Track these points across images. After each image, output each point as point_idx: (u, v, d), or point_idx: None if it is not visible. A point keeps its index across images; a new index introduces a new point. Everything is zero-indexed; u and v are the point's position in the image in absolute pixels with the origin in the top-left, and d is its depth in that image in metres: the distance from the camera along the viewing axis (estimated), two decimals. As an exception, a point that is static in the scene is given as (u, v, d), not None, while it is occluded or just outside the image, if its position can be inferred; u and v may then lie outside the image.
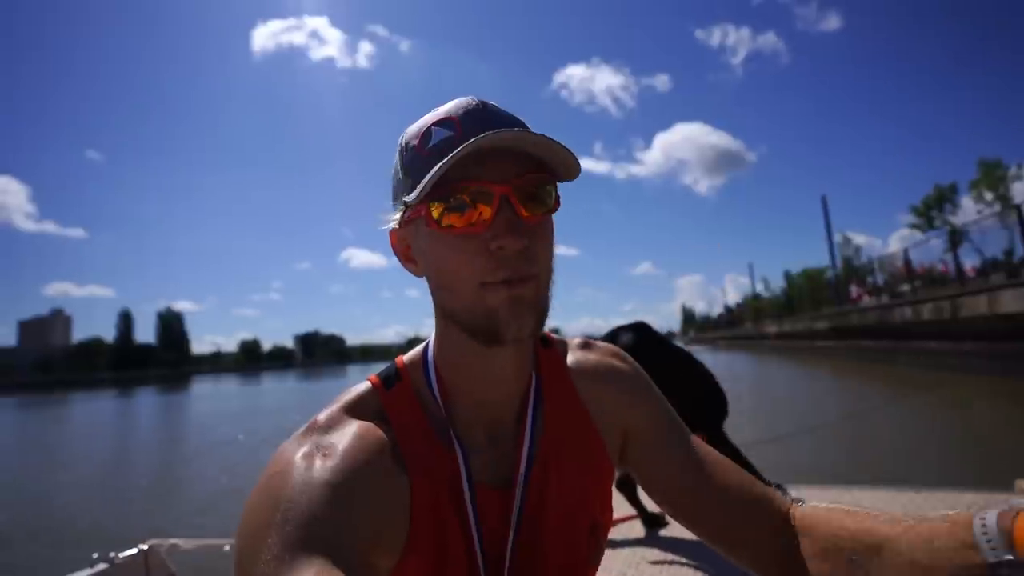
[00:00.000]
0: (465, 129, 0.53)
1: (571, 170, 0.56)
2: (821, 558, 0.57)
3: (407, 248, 0.60)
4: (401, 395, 0.62)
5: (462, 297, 0.55)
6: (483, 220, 0.52)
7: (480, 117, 0.55)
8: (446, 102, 0.59)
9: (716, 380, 3.88)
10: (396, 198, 0.59)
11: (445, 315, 0.59)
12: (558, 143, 0.52)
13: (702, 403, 3.70)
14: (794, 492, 3.98)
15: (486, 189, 0.52)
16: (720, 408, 3.80)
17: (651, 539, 3.28)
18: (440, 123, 0.55)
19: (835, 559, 0.56)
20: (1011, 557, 0.40)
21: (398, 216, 0.59)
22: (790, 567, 0.60)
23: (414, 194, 0.53)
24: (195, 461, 10.83)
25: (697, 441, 0.71)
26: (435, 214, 0.53)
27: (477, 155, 0.51)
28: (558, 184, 0.58)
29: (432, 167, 0.52)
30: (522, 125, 0.57)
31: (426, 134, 0.55)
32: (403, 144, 0.58)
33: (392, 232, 0.61)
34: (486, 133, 0.50)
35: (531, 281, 0.54)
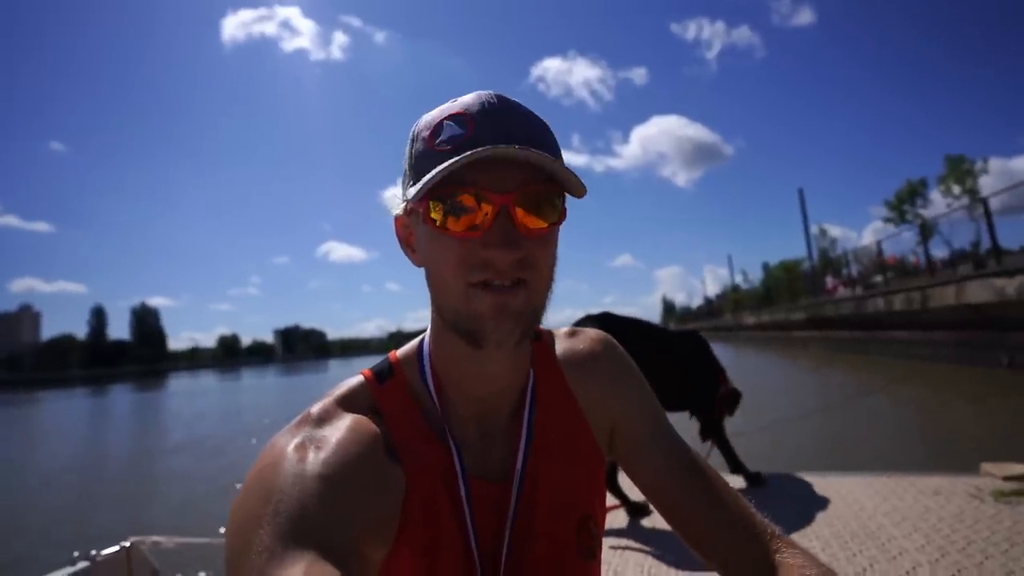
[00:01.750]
0: (478, 129, 0.52)
1: (579, 188, 0.55)
2: None
3: (409, 235, 0.60)
4: (394, 389, 0.62)
5: (450, 297, 0.55)
6: (480, 227, 0.52)
7: (495, 118, 0.53)
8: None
9: (700, 339, 3.91)
10: (404, 185, 0.59)
11: (437, 311, 0.59)
12: (560, 165, 0.52)
13: (683, 383, 3.74)
14: (772, 480, 4.08)
15: (486, 197, 0.51)
16: (708, 384, 3.83)
17: (634, 528, 3.34)
18: (453, 118, 0.54)
19: None
20: None
21: (402, 205, 0.59)
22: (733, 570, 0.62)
23: (414, 190, 0.53)
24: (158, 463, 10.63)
25: (682, 441, 0.71)
26: (433, 214, 0.53)
27: (483, 160, 0.50)
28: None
29: (437, 164, 0.51)
30: (540, 126, 0.56)
31: (437, 128, 0.54)
32: (414, 134, 0.57)
33: (397, 217, 0.61)
34: (486, 148, 0.49)
35: (520, 291, 0.53)
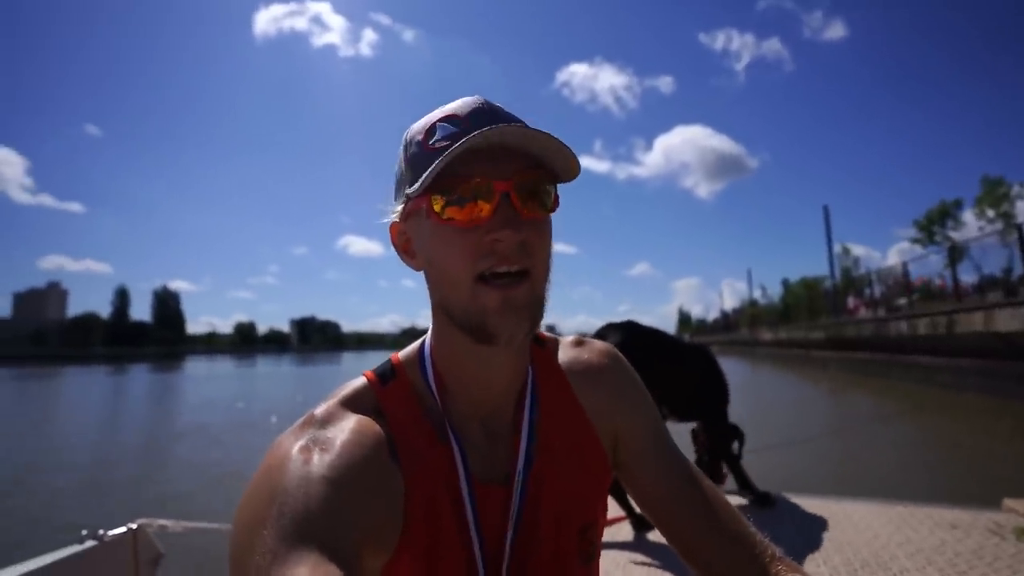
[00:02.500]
0: (470, 126, 0.54)
1: (570, 170, 0.57)
2: None
3: (407, 242, 0.61)
4: (397, 391, 0.62)
5: (457, 293, 0.55)
6: (482, 215, 0.53)
7: (485, 117, 0.56)
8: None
9: (709, 355, 3.91)
10: (398, 192, 0.60)
11: (442, 311, 0.59)
12: (558, 140, 0.53)
13: (695, 395, 3.73)
14: (782, 502, 4.00)
15: (487, 184, 0.53)
16: (717, 397, 3.82)
17: (639, 541, 3.30)
18: (445, 120, 0.56)
19: None
20: None
21: (399, 209, 0.60)
22: None
23: (416, 185, 0.54)
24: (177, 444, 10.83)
25: (683, 456, 0.71)
26: (436, 207, 0.54)
27: (480, 151, 0.52)
28: (558, 185, 0.59)
29: (435, 161, 0.53)
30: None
31: (430, 130, 0.56)
32: (407, 140, 0.59)
33: (392, 226, 0.62)
34: (490, 127, 0.51)
35: (525, 282, 0.54)
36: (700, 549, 0.65)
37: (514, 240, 0.53)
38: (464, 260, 0.54)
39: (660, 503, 0.68)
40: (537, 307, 0.56)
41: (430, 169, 0.52)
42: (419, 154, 0.56)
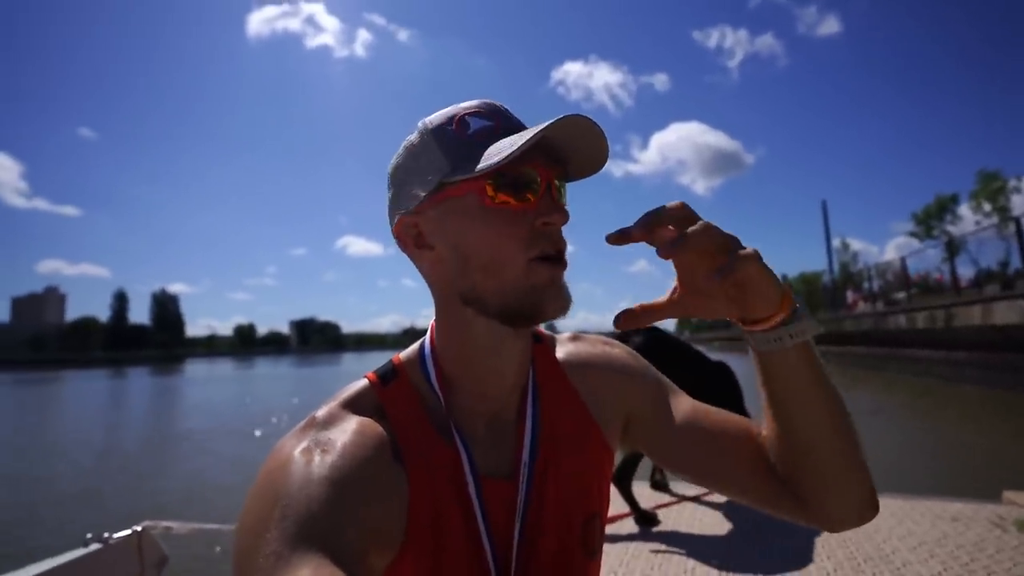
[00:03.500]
0: (501, 123, 0.57)
1: (589, 168, 0.60)
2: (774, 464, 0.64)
3: (419, 235, 0.59)
4: (399, 391, 0.62)
5: (508, 275, 0.55)
6: (531, 200, 0.56)
7: (507, 116, 0.58)
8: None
9: (731, 377, 3.91)
10: (414, 185, 0.58)
11: (460, 300, 0.58)
12: (606, 141, 0.57)
13: (713, 402, 3.74)
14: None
15: (536, 172, 0.55)
16: (733, 406, 3.83)
17: (643, 536, 3.31)
18: (472, 115, 0.57)
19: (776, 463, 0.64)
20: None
21: (422, 195, 0.57)
22: (775, 491, 0.64)
23: (483, 166, 0.53)
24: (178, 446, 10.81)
25: (689, 399, 0.73)
26: (490, 191, 0.55)
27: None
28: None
29: (478, 150, 0.54)
30: None
31: (463, 121, 0.57)
32: (430, 128, 0.57)
33: (400, 219, 0.59)
34: (566, 115, 0.51)
35: (563, 264, 0.58)
36: (728, 479, 0.67)
37: (563, 222, 0.56)
38: (519, 242, 0.55)
39: (686, 463, 0.69)
40: (568, 291, 0.59)
41: (507, 151, 0.51)
42: (454, 142, 0.56)
